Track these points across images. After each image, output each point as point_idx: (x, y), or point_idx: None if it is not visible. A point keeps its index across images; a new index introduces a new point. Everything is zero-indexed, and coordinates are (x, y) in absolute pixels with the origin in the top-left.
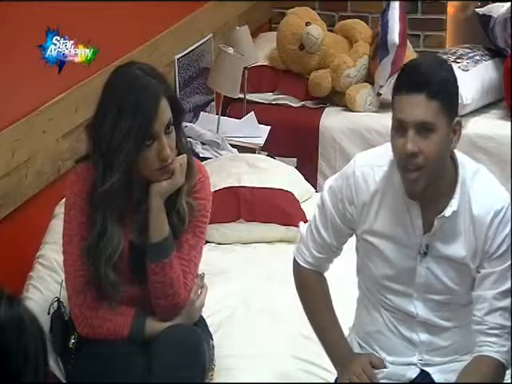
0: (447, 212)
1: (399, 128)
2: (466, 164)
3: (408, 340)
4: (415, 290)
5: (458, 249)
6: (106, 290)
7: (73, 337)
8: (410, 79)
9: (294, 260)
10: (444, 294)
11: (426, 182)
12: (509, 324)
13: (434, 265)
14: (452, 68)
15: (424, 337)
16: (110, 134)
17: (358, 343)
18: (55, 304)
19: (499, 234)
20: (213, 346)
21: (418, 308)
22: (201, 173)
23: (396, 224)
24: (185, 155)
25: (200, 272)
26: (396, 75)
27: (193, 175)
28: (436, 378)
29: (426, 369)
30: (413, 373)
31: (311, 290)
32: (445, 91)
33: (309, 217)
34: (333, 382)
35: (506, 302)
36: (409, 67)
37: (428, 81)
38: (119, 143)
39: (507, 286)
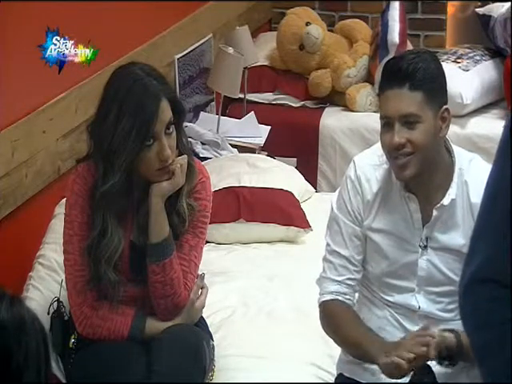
0: (446, 201)
1: (386, 125)
2: (461, 153)
3: None
4: (417, 284)
5: (456, 238)
6: (107, 290)
7: (73, 337)
8: (392, 75)
9: (319, 303)
10: (445, 284)
11: (416, 168)
12: None
13: (434, 256)
14: (436, 57)
15: None
16: (110, 134)
17: None
18: (55, 304)
19: None
20: (213, 347)
21: (420, 301)
22: (201, 173)
23: (396, 220)
24: (185, 156)
25: (200, 272)
26: None
27: (193, 176)
28: (436, 371)
29: (427, 362)
30: None
31: (338, 314)
32: (427, 81)
33: (309, 217)
34: (332, 382)
35: None
36: (389, 64)
37: (409, 73)
38: (120, 143)
39: None
